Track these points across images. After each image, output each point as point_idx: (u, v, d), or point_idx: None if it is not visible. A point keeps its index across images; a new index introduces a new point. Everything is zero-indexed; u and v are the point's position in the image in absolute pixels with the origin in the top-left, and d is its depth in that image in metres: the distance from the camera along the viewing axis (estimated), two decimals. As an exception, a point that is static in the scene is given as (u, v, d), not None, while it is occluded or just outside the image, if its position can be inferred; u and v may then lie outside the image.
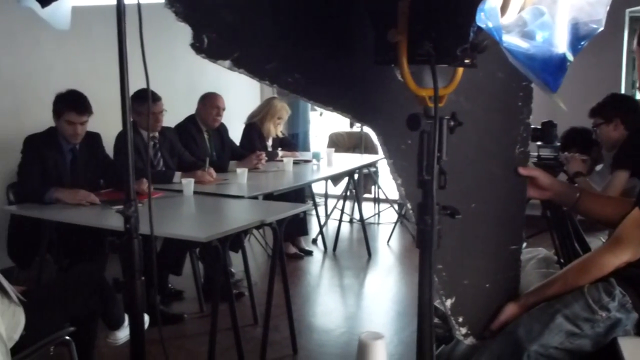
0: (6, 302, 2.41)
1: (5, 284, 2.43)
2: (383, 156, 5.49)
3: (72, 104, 3.73)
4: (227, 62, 1.50)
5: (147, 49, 1.67)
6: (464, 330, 1.79)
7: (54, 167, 3.82)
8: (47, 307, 2.62)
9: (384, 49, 1.42)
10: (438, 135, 1.38)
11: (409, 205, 1.69)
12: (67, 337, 2.63)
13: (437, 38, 1.33)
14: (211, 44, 1.46)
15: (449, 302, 1.75)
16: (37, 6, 1.60)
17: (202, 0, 1.46)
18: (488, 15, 1.12)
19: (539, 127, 3.54)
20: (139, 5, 1.42)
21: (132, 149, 1.67)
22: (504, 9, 1.25)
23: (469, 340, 1.80)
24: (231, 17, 1.49)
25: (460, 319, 1.77)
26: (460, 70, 1.45)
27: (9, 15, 4.74)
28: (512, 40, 1.21)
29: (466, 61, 1.34)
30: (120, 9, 1.45)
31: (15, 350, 2.36)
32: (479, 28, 1.19)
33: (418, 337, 1.48)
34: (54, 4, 1.60)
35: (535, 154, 3.74)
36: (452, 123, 1.44)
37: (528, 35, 1.29)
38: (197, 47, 1.45)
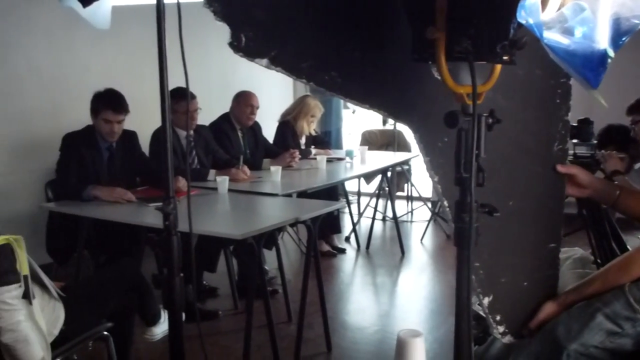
0: (46, 298, 2.46)
1: (45, 279, 2.47)
2: (416, 154, 5.44)
3: (109, 102, 3.79)
4: (264, 61, 1.51)
5: (179, 47, 1.69)
6: (501, 329, 1.77)
7: (92, 164, 3.88)
8: (85, 303, 2.66)
9: (421, 46, 1.42)
10: (476, 132, 1.37)
11: (445, 203, 1.68)
12: (105, 333, 2.67)
13: (475, 35, 1.32)
14: (249, 43, 1.47)
15: (486, 300, 1.74)
16: (78, 6, 1.63)
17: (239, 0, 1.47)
18: (529, 12, 1.12)
19: (575, 124, 3.49)
20: (178, 5, 1.44)
21: (171, 147, 1.69)
22: (543, 5, 1.24)
23: (507, 339, 1.79)
24: (268, 16, 1.50)
25: (498, 317, 1.76)
26: (499, 67, 1.44)
27: (48, 16, 4.83)
28: (552, 36, 1.20)
29: (505, 58, 1.34)
30: (160, 8, 1.46)
31: (54, 345, 2.41)
32: (519, 24, 1.18)
33: (456, 336, 1.47)
34: (94, 3, 1.63)
35: (571, 151, 3.68)
36: (490, 120, 1.43)
37: (568, 31, 1.28)
38: (235, 45, 1.46)
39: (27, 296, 2.22)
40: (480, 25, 1.31)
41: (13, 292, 2.15)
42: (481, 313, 1.81)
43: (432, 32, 1.34)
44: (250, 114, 5.02)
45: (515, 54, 1.33)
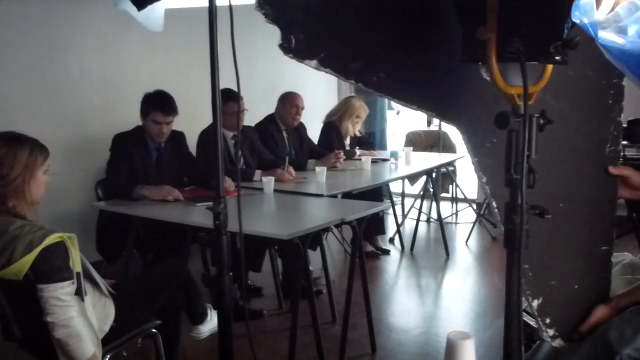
0: (97, 295, 2.52)
1: (97, 277, 2.53)
2: (462, 155, 5.37)
3: (159, 104, 3.86)
4: (314, 62, 1.52)
5: (228, 49, 1.71)
6: (551, 332, 1.75)
7: (141, 164, 3.96)
8: (135, 301, 2.71)
9: (471, 47, 1.41)
10: (527, 133, 1.36)
11: (494, 205, 1.67)
12: (154, 330, 2.72)
13: (527, 35, 1.31)
14: (299, 45, 1.49)
15: (535, 303, 1.71)
16: (133, 9, 1.67)
17: (290, 2, 1.48)
18: (583, 12, 1.11)
19: (625, 126, 3.42)
20: (230, 8, 1.46)
21: (221, 148, 1.71)
22: (597, 4, 1.23)
23: (557, 343, 1.76)
24: (318, 18, 1.51)
25: (548, 321, 1.73)
26: (550, 67, 1.42)
27: (98, 19, 4.94)
28: (607, 36, 1.18)
29: (557, 58, 1.32)
30: (212, 11, 1.48)
31: (105, 341, 2.46)
32: (573, 24, 1.17)
33: (506, 338, 1.46)
34: (148, 7, 1.67)
35: (622, 153, 3.61)
36: (541, 121, 1.42)
37: (622, 31, 1.26)
38: (285, 47, 1.48)
39: (79, 293, 2.27)
40: (532, 26, 1.30)
41: (67, 289, 2.21)
42: (526, 319, 1.79)
43: (483, 32, 1.34)
44: (296, 115, 5.05)
45: (568, 54, 1.32)
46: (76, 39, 4.84)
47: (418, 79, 1.59)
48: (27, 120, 4.33)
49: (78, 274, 2.27)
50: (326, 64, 1.52)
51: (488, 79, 1.47)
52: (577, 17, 1.11)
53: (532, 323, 1.78)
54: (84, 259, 2.39)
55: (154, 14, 1.79)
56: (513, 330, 1.46)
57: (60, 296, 2.18)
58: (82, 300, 2.28)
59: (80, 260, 2.30)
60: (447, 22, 1.54)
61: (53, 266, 2.17)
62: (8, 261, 2.14)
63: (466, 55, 1.44)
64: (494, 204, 1.64)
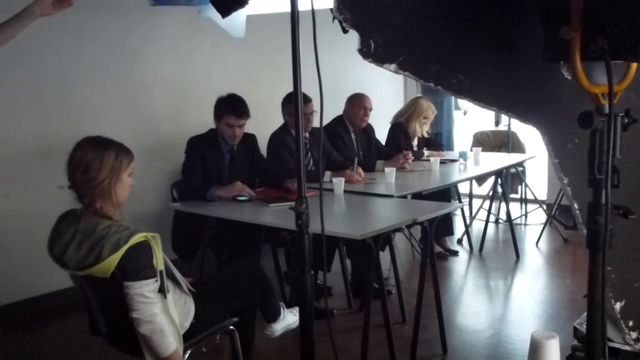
0: (178, 292, 2.60)
1: (178, 275, 2.62)
2: (531, 155, 5.27)
3: (232, 108, 3.95)
4: (393, 66, 1.55)
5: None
6: (634, 335, 1.73)
7: (215, 166, 4.05)
8: (213, 299, 2.79)
9: (554, 45, 1.42)
10: (612, 132, 1.35)
11: (575, 206, 1.66)
12: (231, 327, 2.79)
13: (612, 33, 1.31)
14: (378, 49, 1.52)
15: (618, 305, 1.70)
16: (217, 17, 1.72)
17: (369, 6, 1.51)
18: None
19: None
20: (312, 12, 1.49)
21: (302, 151, 1.75)
22: None
23: (640, 346, 1.74)
24: (397, 22, 1.54)
25: (631, 323, 1.71)
26: (634, 66, 1.42)
27: (172, 27, 5.09)
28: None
29: (643, 56, 1.31)
30: (294, 17, 1.52)
31: (185, 337, 2.54)
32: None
33: (588, 341, 1.45)
34: (232, 14, 1.72)
35: None
36: (625, 120, 1.41)
37: None
38: (365, 52, 1.51)
39: (162, 290, 2.36)
40: (617, 24, 1.30)
41: (151, 286, 2.29)
42: None
43: (567, 31, 1.34)
44: (364, 116, 5.07)
45: (654, 52, 1.31)
46: (151, 46, 4.99)
47: (498, 80, 1.60)
48: (105, 124, 4.49)
49: (161, 271, 2.35)
50: (405, 67, 1.55)
51: (569, 78, 1.47)
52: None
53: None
54: (166, 257, 2.48)
55: (237, 20, 1.85)
56: (596, 332, 1.45)
57: (145, 293, 2.27)
58: (165, 297, 2.37)
59: (162, 259, 2.39)
60: (528, 22, 1.54)
61: (138, 264, 2.26)
62: (96, 259, 2.24)
63: (548, 54, 1.45)
64: (576, 205, 1.64)
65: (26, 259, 4.23)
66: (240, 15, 1.84)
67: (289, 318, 3.21)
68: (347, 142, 5.09)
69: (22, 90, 4.27)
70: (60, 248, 2.34)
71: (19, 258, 4.25)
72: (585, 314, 1.66)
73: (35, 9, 2.50)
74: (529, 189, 6.59)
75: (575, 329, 1.74)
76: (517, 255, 5.50)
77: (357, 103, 5.07)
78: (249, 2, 1.64)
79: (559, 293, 4.64)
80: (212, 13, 1.75)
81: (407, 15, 1.54)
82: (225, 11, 1.63)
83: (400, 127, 5.58)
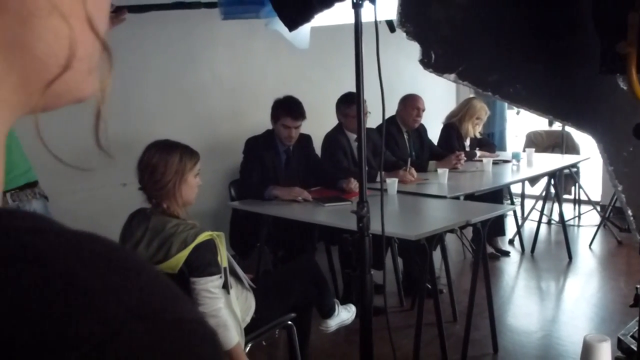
0: (239, 288, 2.73)
1: (239, 271, 2.74)
2: (586, 157, 5.22)
3: (288, 109, 4.06)
4: (453, 76, 1.62)
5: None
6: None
7: (271, 166, 4.17)
8: (272, 294, 2.91)
9: (610, 58, 1.47)
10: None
11: (629, 212, 1.70)
12: (289, 322, 2.91)
13: (667, 49, 1.36)
14: (438, 59, 1.59)
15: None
16: (283, 29, 1.82)
17: (429, 18, 1.59)
18: None
19: None
20: (375, 23, 1.57)
21: (364, 153, 1.83)
22: None
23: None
24: (456, 33, 1.61)
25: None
26: (690, 78, 1.45)
27: (229, 29, 5.22)
28: None
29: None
30: (358, 28, 1.61)
31: (246, 331, 2.66)
32: None
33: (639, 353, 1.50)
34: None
35: None
36: (680, 131, 1.45)
37: None
38: (425, 62, 1.59)
39: (225, 286, 2.48)
40: (673, 40, 1.35)
41: (215, 282, 2.42)
42: (633, 347, 1.77)
43: (624, 46, 1.39)
44: (417, 117, 5.12)
45: None
46: (209, 49, 5.15)
47: (554, 89, 1.66)
48: (165, 125, 4.65)
49: (225, 268, 2.48)
50: (464, 77, 1.62)
51: (625, 88, 1.52)
52: None
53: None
54: (229, 254, 2.60)
55: (301, 32, 1.94)
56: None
57: (210, 288, 2.39)
58: (228, 292, 2.49)
59: (226, 256, 2.51)
60: (584, 34, 1.59)
61: (204, 261, 2.39)
62: (165, 256, 2.38)
63: (604, 67, 1.50)
64: (630, 212, 1.68)
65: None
66: (305, 28, 1.93)
67: (343, 314, 3.31)
68: (400, 143, 5.14)
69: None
70: (132, 245, 2.49)
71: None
72: (631, 325, 1.69)
73: None
74: (583, 190, 6.52)
75: (620, 340, 1.76)
76: (570, 257, 5.47)
77: (410, 103, 5.12)
78: (315, 16, 1.74)
79: (612, 296, 4.61)
80: (279, 26, 1.85)
81: (466, 27, 1.61)
82: (292, 25, 1.72)
83: (452, 128, 5.61)
